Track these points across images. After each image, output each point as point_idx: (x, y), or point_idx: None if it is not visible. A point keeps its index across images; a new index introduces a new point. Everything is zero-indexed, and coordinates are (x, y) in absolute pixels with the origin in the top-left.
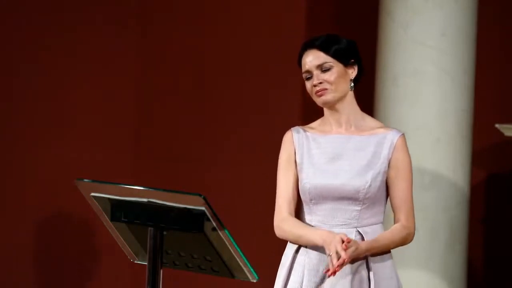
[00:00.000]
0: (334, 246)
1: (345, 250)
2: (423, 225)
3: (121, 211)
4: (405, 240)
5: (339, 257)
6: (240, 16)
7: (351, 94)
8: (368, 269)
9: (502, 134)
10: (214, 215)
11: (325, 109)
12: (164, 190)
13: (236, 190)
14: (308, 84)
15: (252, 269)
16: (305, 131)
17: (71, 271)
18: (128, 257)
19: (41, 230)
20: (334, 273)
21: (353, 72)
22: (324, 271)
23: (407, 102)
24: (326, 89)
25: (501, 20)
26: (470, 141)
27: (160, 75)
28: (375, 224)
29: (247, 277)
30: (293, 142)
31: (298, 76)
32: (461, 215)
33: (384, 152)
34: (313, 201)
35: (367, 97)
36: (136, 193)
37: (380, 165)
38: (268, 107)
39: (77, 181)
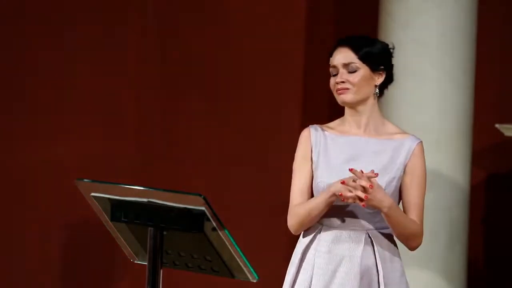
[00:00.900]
0: (346, 180)
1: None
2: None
3: (121, 211)
4: (413, 235)
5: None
6: (241, 15)
7: (373, 99)
8: (378, 272)
9: (502, 134)
10: (214, 215)
11: (346, 109)
12: (164, 190)
13: (240, 189)
14: (332, 80)
15: (252, 269)
16: (323, 130)
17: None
18: (128, 257)
19: (43, 230)
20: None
21: (379, 78)
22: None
23: (407, 102)
24: (347, 89)
25: (501, 19)
26: (470, 141)
27: (160, 74)
28: (386, 228)
29: (247, 277)
30: (310, 140)
31: (299, 77)
32: (461, 215)
33: (401, 158)
34: None
35: None
36: (136, 193)
37: (396, 170)
38: (270, 107)
39: (77, 181)
